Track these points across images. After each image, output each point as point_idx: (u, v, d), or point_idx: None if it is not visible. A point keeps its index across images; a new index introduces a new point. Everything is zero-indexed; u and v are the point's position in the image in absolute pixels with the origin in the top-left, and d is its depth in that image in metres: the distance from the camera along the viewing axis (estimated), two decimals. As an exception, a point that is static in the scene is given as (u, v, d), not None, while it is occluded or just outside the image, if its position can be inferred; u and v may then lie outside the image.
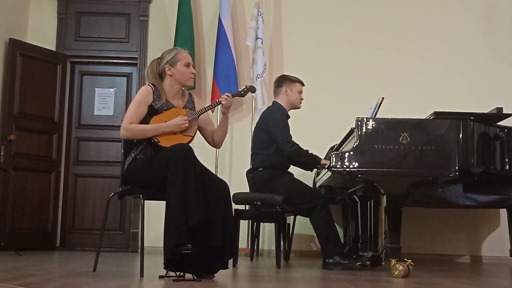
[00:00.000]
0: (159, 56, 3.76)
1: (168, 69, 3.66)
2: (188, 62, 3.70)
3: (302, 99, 4.89)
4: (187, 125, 3.60)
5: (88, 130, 6.62)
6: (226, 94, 3.70)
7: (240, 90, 3.90)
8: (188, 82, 3.71)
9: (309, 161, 4.70)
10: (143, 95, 3.62)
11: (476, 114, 4.04)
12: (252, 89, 3.92)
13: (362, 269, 4.34)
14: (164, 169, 3.31)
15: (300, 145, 4.66)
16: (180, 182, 3.22)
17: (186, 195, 3.21)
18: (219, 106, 3.77)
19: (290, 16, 6.49)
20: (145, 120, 3.60)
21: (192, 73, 3.72)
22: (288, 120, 4.78)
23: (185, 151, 3.32)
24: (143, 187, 3.55)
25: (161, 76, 3.70)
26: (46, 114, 6.31)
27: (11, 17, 6.21)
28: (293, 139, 4.64)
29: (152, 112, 3.61)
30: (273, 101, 4.89)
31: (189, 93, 3.87)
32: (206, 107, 3.73)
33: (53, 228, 6.32)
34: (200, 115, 3.69)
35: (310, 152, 4.69)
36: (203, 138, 3.84)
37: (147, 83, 3.73)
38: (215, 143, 3.83)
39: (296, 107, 4.89)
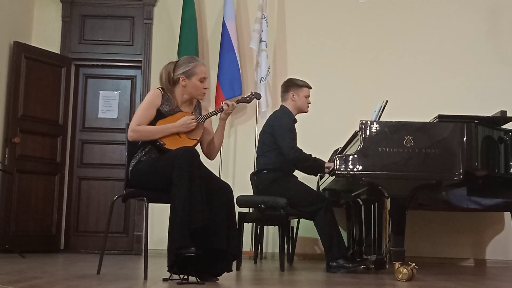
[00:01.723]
0: (175, 60, 3.80)
1: (183, 80, 3.66)
2: (204, 77, 3.70)
3: (310, 103, 4.88)
4: (195, 124, 3.62)
5: (92, 132, 6.63)
6: (230, 101, 3.71)
7: (245, 96, 3.94)
8: (199, 96, 3.73)
9: (313, 165, 4.66)
10: (152, 98, 3.63)
11: (480, 117, 4.04)
12: (257, 96, 3.98)
13: (366, 273, 4.34)
14: (169, 171, 3.31)
15: (304, 149, 4.64)
16: (185, 185, 3.23)
17: (190, 198, 3.21)
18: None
19: (294, 19, 6.49)
20: (152, 124, 3.61)
21: (205, 88, 3.72)
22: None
23: (191, 154, 3.33)
24: (147, 189, 3.56)
25: (174, 82, 3.70)
26: (50, 117, 6.33)
27: (16, 20, 6.23)
28: (296, 145, 4.63)
29: (159, 115, 3.62)
30: (281, 105, 4.88)
31: (198, 100, 3.86)
32: (211, 112, 3.74)
33: (57, 230, 6.33)
34: (205, 119, 3.71)
35: (313, 156, 4.68)
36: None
37: (158, 85, 3.75)
38: (210, 152, 3.80)
39: (303, 111, 4.88)
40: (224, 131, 3.81)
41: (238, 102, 3.82)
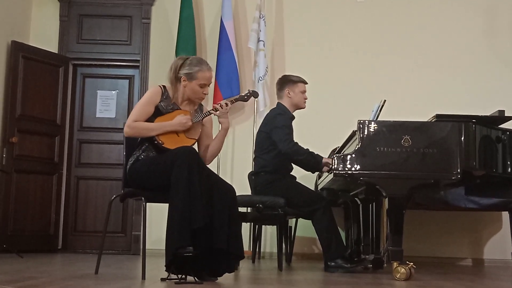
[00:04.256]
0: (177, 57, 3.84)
1: (184, 80, 3.65)
2: (204, 84, 3.65)
3: (306, 98, 4.82)
4: (190, 123, 3.61)
5: (90, 132, 6.63)
6: (225, 101, 3.71)
7: (243, 94, 3.93)
8: (197, 100, 3.72)
9: (309, 159, 4.52)
10: (151, 95, 3.64)
11: (478, 116, 4.04)
12: (255, 94, 3.97)
13: (364, 272, 4.34)
14: (169, 171, 3.30)
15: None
16: (184, 185, 3.22)
17: (190, 198, 3.21)
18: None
19: (292, 18, 6.49)
20: (149, 121, 3.61)
21: (205, 93, 3.69)
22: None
23: (191, 154, 3.32)
24: (145, 188, 3.55)
25: (178, 79, 3.68)
26: (48, 117, 6.32)
27: (14, 20, 6.22)
28: (293, 139, 4.60)
29: (157, 113, 3.62)
30: (277, 103, 4.83)
31: (200, 103, 3.82)
32: (210, 110, 3.73)
33: (55, 230, 6.32)
34: (203, 118, 3.70)
35: (310, 151, 4.66)
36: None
37: (157, 84, 3.74)
38: (207, 157, 3.75)
39: (300, 107, 4.82)
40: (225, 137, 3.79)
41: (236, 100, 3.82)
